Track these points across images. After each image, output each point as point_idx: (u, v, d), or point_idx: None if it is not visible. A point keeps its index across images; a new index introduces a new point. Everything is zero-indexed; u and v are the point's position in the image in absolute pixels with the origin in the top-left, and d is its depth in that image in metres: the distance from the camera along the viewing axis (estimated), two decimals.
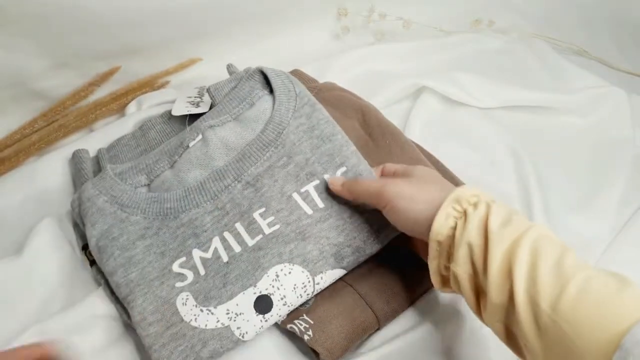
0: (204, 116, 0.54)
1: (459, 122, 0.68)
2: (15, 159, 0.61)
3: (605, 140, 0.66)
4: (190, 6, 0.64)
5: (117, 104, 0.66)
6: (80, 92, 0.65)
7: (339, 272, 0.48)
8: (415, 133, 0.65)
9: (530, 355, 0.36)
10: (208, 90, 0.56)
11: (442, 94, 0.68)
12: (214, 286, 0.47)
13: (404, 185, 0.44)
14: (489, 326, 0.40)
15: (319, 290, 0.47)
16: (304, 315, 0.48)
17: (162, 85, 0.70)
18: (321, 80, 0.67)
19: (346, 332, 0.47)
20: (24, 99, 0.63)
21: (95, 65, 0.65)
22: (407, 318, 0.50)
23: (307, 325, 0.47)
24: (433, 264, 0.43)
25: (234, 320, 0.45)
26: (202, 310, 0.46)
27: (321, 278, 0.47)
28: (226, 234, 0.49)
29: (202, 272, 0.47)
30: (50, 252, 0.52)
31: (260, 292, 0.46)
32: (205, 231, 0.49)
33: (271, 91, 0.54)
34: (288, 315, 0.48)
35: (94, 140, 0.61)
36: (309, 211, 0.49)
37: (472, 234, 0.39)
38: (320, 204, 0.49)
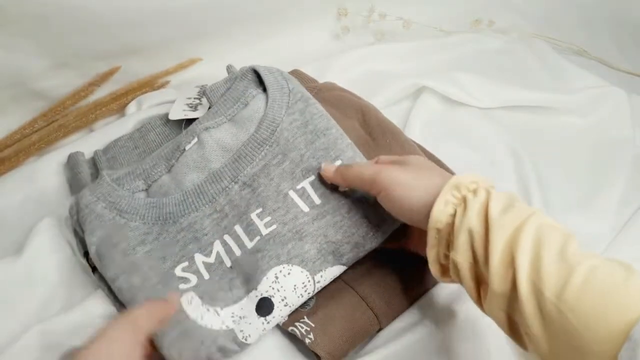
0: (199, 119, 0.54)
1: (459, 122, 0.68)
2: (15, 159, 0.61)
3: (605, 140, 0.66)
4: (190, 6, 0.64)
5: (117, 104, 0.66)
6: (80, 92, 0.65)
7: (338, 269, 0.48)
8: (415, 133, 0.65)
9: (533, 343, 0.36)
10: (204, 92, 0.56)
11: (442, 94, 0.68)
12: (220, 288, 0.46)
13: (400, 172, 0.43)
14: (490, 315, 0.39)
15: (319, 289, 0.47)
16: (305, 317, 0.48)
17: (162, 85, 0.70)
18: (321, 80, 0.67)
19: (347, 334, 0.47)
20: (24, 99, 0.63)
21: (95, 65, 0.65)
22: (407, 318, 0.50)
23: (308, 329, 0.46)
24: (432, 253, 0.42)
25: (238, 324, 0.45)
26: (208, 310, 0.45)
27: (321, 276, 0.47)
28: (226, 237, 0.48)
29: (206, 276, 0.47)
30: (50, 252, 0.52)
31: (262, 295, 0.45)
32: (206, 235, 0.49)
33: (265, 89, 0.54)
34: (289, 316, 0.48)
35: (94, 141, 0.61)
36: (306, 209, 0.49)
37: (472, 221, 0.38)
38: (317, 201, 0.49)
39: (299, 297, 0.46)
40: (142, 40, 0.65)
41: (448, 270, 0.42)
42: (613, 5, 0.82)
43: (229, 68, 0.60)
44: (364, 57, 0.73)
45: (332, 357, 0.45)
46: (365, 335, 0.48)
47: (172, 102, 0.61)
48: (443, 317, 0.50)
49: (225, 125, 0.53)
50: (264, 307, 0.45)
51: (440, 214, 0.40)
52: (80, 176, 0.55)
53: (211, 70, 0.68)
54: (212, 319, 0.45)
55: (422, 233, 0.46)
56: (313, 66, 0.69)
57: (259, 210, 0.49)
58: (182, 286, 0.47)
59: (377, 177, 0.43)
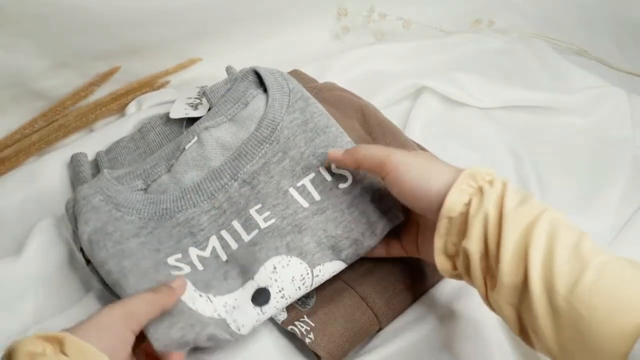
0: (200, 119, 0.54)
1: (459, 122, 0.68)
2: (15, 159, 0.61)
3: (605, 140, 0.66)
4: (190, 6, 0.64)
5: (117, 104, 0.66)
6: (80, 92, 0.65)
7: (338, 265, 0.47)
8: (415, 133, 0.65)
9: (538, 338, 0.35)
10: (204, 93, 0.56)
11: (442, 94, 0.68)
12: (214, 277, 0.46)
13: (412, 157, 0.43)
14: (497, 310, 0.39)
15: (318, 283, 0.47)
16: (305, 317, 0.48)
17: (162, 85, 0.70)
18: (321, 80, 0.67)
19: (347, 334, 0.47)
20: (24, 99, 0.63)
21: (95, 65, 0.65)
22: (407, 317, 0.50)
23: (309, 328, 0.46)
24: (439, 242, 0.41)
25: (231, 314, 0.45)
26: (200, 296, 0.44)
27: (320, 270, 0.47)
28: (223, 233, 0.48)
29: (199, 268, 0.47)
30: (49, 252, 0.52)
31: (259, 285, 0.45)
32: (202, 230, 0.49)
33: (265, 90, 0.54)
34: (289, 315, 0.48)
35: (94, 141, 0.61)
36: (305, 204, 0.49)
37: (489, 210, 0.38)
38: (317, 197, 0.49)
39: (296, 289, 0.46)
40: (142, 40, 0.65)
41: (453, 262, 0.41)
42: (613, 5, 0.82)
43: (228, 69, 0.60)
44: (364, 57, 0.73)
45: (332, 357, 0.45)
46: (365, 335, 0.48)
47: (172, 102, 0.61)
48: (443, 317, 0.50)
49: (226, 125, 0.53)
50: (260, 296, 0.45)
51: (454, 203, 0.39)
52: (81, 176, 0.55)
53: (211, 71, 0.68)
54: (204, 305, 0.44)
55: (422, 234, 0.47)
56: (313, 66, 0.69)
57: (258, 206, 0.49)
58: (174, 272, 0.46)
59: (389, 158, 0.43)
